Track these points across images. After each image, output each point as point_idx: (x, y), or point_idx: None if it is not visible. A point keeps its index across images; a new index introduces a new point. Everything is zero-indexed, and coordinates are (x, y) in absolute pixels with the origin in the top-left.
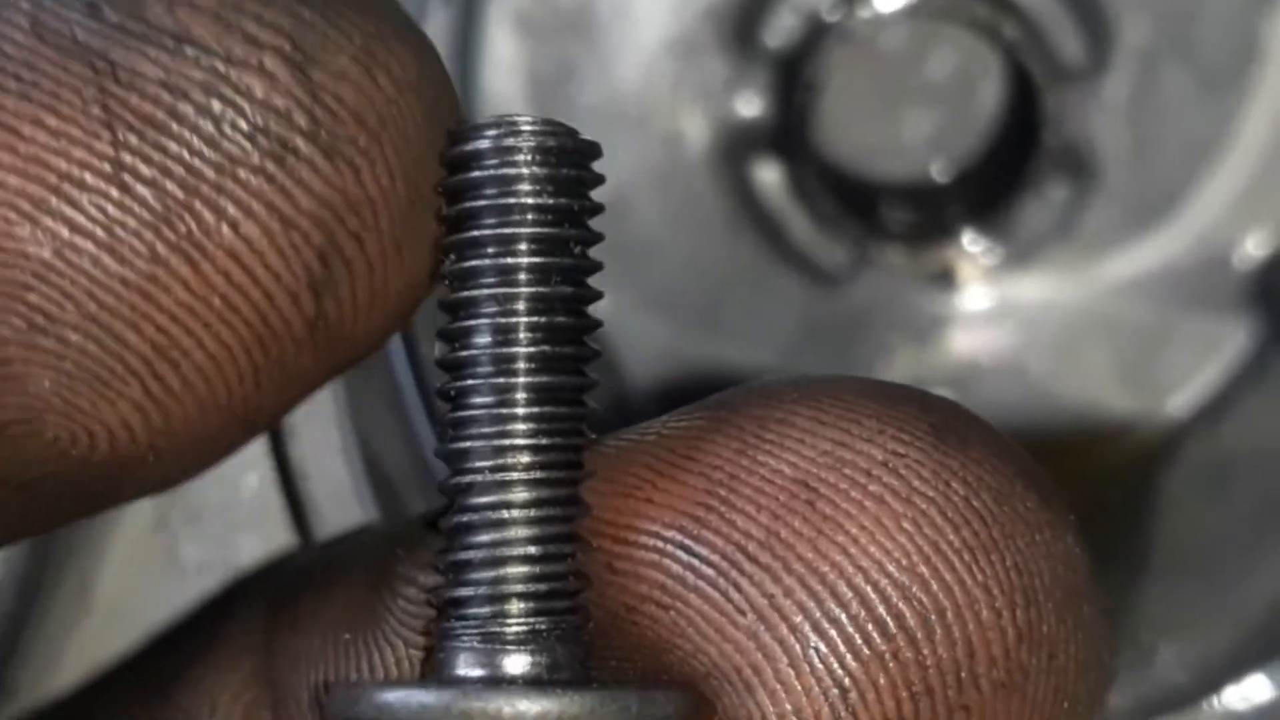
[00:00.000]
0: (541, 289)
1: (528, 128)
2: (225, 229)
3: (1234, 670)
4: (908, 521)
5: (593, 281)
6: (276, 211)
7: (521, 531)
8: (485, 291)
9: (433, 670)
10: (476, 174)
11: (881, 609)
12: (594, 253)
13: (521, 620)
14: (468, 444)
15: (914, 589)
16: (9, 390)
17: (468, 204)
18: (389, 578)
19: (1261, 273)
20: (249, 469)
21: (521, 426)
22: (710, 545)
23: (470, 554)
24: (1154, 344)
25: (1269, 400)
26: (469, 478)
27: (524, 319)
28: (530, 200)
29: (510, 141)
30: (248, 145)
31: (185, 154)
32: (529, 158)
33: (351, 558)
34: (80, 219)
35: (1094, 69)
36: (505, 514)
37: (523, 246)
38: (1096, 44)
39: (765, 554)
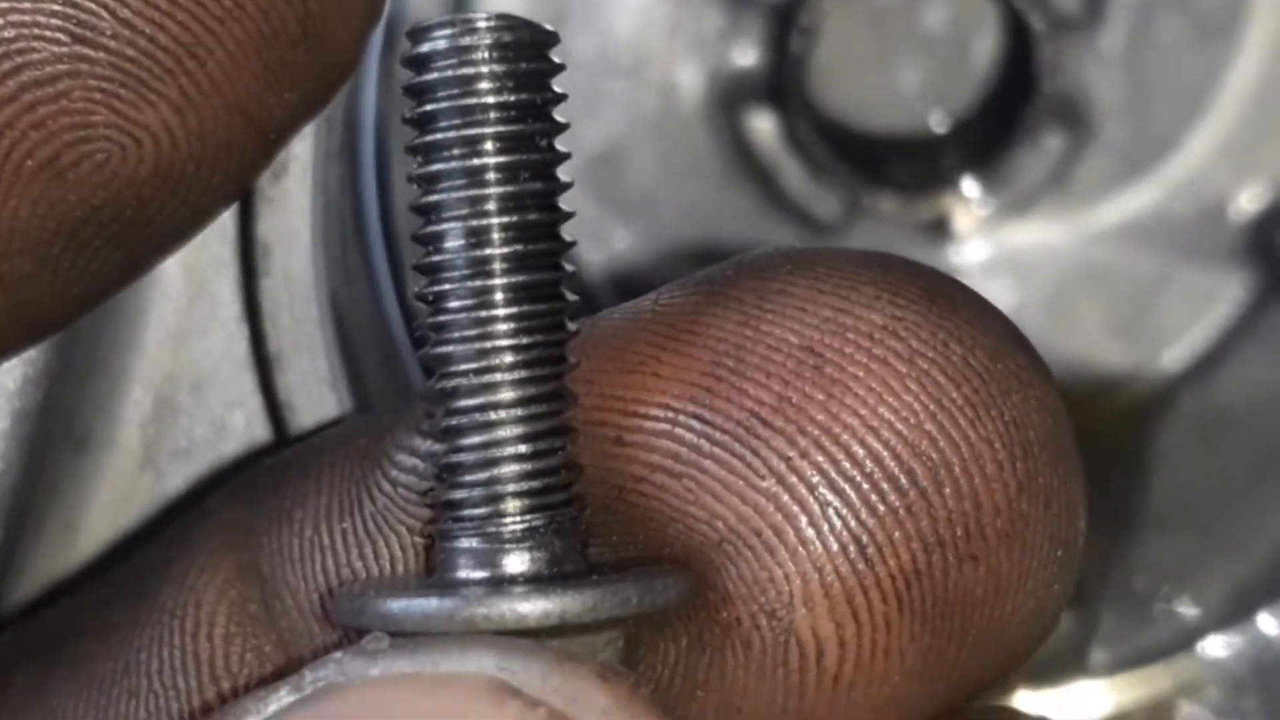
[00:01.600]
0: (511, 188)
1: (484, 24)
2: None
3: (1228, 619)
4: (912, 381)
5: (561, 172)
6: None
7: (511, 430)
8: (455, 195)
9: (433, 570)
10: (436, 75)
11: (894, 466)
12: (561, 144)
13: (518, 518)
14: (450, 348)
15: (923, 445)
16: (62, 111)
17: (429, 106)
18: (380, 456)
19: (1256, 224)
20: (235, 407)
21: (502, 327)
22: (724, 413)
23: (462, 456)
24: (1148, 296)
25: (1264, 352)
26: (454, 381)
27: (496, 219)
28: (492, 99)
29: (467, 40)
30: None
31: None
32: (487, 55)
33: (334, 446)
34: None
35: (1090, 19)
36: (493, 415)
37: (489, 146)
38: None
39: (779, 418)
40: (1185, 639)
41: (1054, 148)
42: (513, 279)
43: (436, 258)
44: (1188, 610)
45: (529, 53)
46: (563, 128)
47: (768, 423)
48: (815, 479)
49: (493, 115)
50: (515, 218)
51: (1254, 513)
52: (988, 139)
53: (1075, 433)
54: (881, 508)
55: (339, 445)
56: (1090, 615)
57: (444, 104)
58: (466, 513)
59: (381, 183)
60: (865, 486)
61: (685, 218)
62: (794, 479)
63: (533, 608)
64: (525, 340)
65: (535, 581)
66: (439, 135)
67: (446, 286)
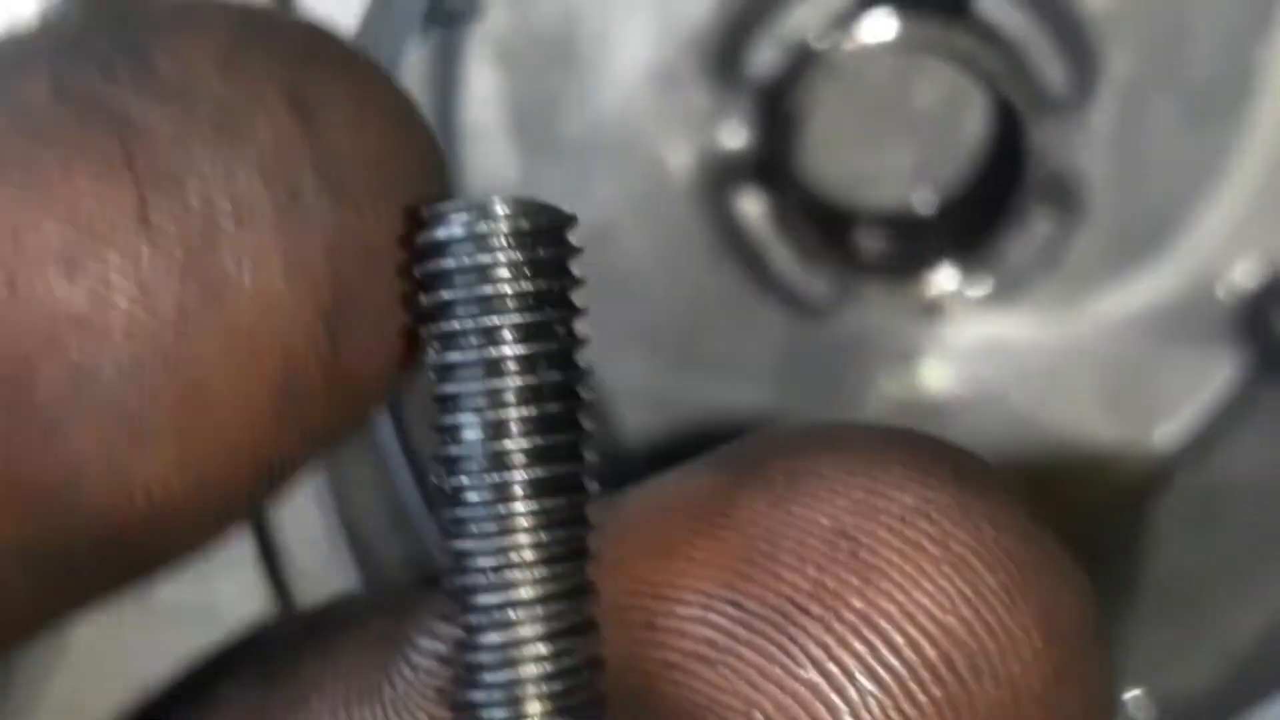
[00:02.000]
0: (530, 379)
1: (501, 210)
2: (245, 274)
3: (1220, 706)
4: (947, 565)
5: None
6: (291, 254)
7: (532, 630)
8: (473, 386)
9: None
10: (452, 263)
11: (933, 654)
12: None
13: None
14: (469, 544)
15: (961, 633)
16: (52, 448)
17: (446, 294)
18: (400, 641)
19: (1250, 304)
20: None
21: (522, 523)
22: (760, 599)
23: (482, 656)
24: (1141, 376)
25: (1257, 432)
26: (472, 578)
27: (515, 412)
28: (509, 288)
29: (484, 226)
30: (260, 186)
31: (203, 200)
32: (505, 242)
33: (351, 627)
34: (113, 271)
35: (1079, 100)
36: (512, 614)
37: (507, 336)
38: (1082, 75)
39: (815, 605)
40: None
41: (1044, 230)
42: (532, 473)
43: (454, 450)
44: (1181, 694)
45: (547, 238)
46: (582, 312)
47: (804, 609)
48: (854, 667)
49: (511, 304)
50: (535, 410)
51: (1246, 596)
52: (978, 220)
53: (1068, 510)
54: (922, 697)
55: (356, 627)
56: None
57: (460, 293)
58: (486, 715)
59: None
60: (905, 675)
61: (673, 297)
62: (833, 667)
63: None
64: (546, 536)
65: None
66: (456, 324)
67: (464, 480)
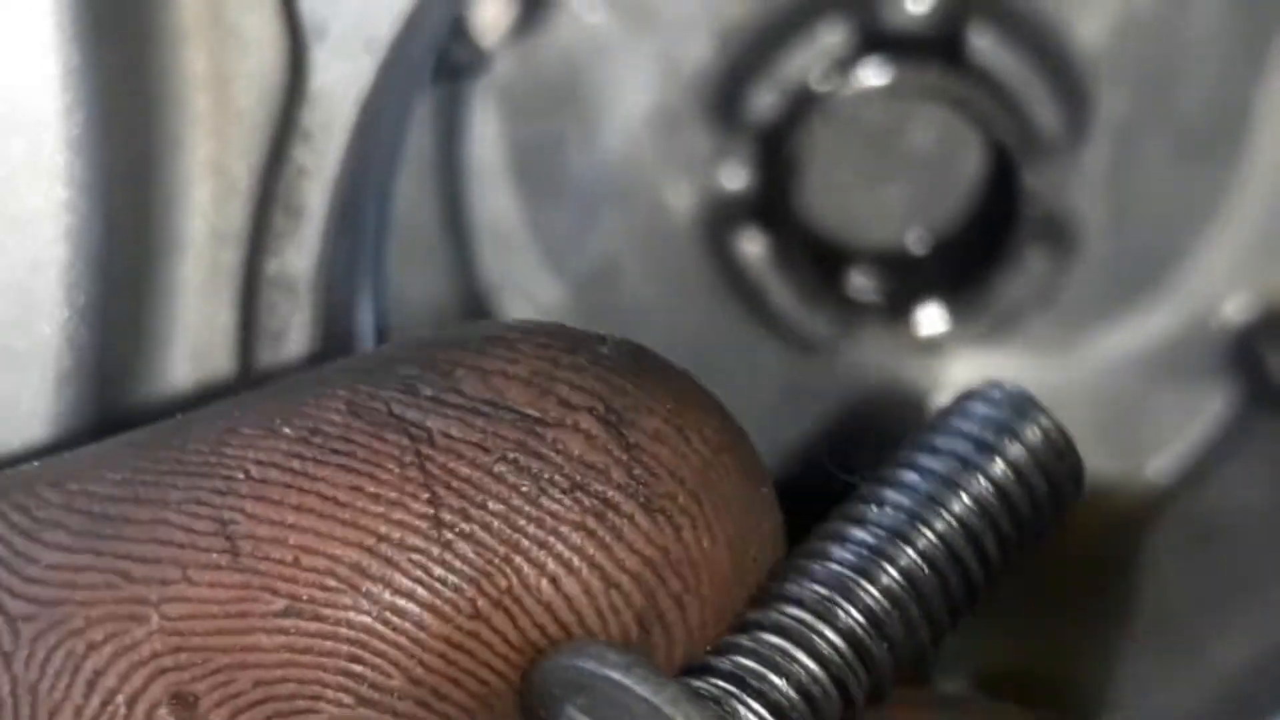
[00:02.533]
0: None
1: (1050, 421)
2: (545, 584)
3: None
4: None
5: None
6: (598, 568)
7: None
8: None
9: None
10: (980, 412)
11: None
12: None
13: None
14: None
15: None
16: None
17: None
18: None
19: (1242, 340)
20: None
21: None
22: None
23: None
24: (1135, 411)
25: (1249, 466)
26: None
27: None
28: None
29: (1030, 413)
30: (568, 501)
31: (505, 510)
32: (1039, 440)
33: None
34: (402, 580)
35: (1073, 141)
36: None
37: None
38: (1074, 116)
39: None
40: None
41: (1039, 267)
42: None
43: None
44: None
45: (1065, 468)
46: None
47: None
48: None
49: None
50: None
51: (1236, 626)
52: (974, 259)
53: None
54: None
55: None
56: None
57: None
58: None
59: None
60: None
61: (674, 336)
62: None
63: None
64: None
65: None
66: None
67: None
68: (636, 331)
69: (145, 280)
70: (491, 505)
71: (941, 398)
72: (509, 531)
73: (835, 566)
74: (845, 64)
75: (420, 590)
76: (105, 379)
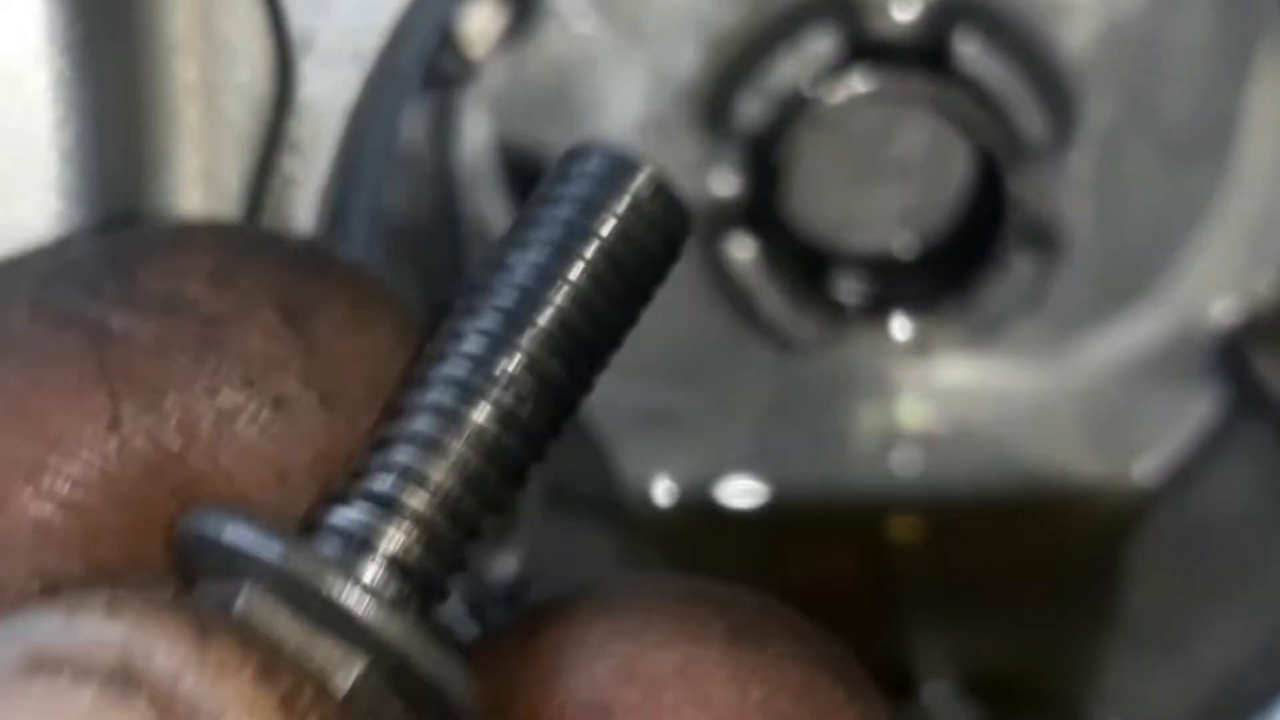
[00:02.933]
0: (575, 309)
1: (651, 171)
2: (220, 477)
3: None
4: None
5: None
6: (272, 461)
7: (441, 473)
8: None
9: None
10: (577, 189)
11: None
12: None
13: (394, 543)
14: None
15: None
16: None
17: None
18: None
19: (1228, 343)
20: None
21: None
22: None
23: (397, 455)
24: (1121, 414)
25: (1235, 468)
26: (429, 396)
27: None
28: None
29: (629, 169)
30: (243, 396)
31: (182, 402)
32: (634, 193)
33: None
34: (79, 473)
35: (1059, 147)
36: (421, 470)
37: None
38: (1060, 122)
39: None
40: None
41: (1026, 272)
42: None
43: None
44: None
45: (671, 218)
46: (649, 297)
47: None
48: None
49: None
50: (559, 334)
51: (1220, 627)
52: (961, 263)
53: (1050, 545)
54: None
55: None
56: None
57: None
58: (356, 509)
59: None
60: None
61: (665, 340)
62: None
63: (337, 588)
64: (519, 394)
65: (365, 588)
66: (549, 210)
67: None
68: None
69: None
70: (169, 399)
71: (928, 399)
72: (185, 426)
73: (452, 374)
74: (833, 72)
75: (97, 483)
76: None
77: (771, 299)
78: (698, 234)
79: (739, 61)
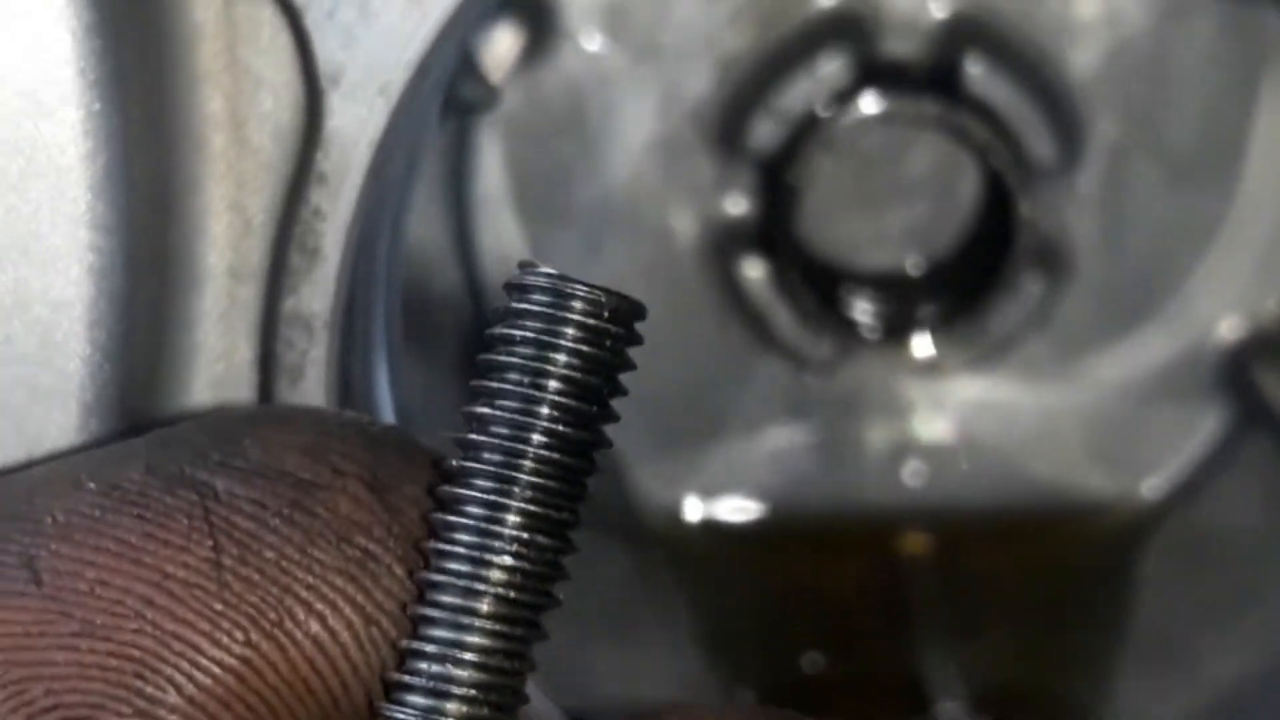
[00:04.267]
0: (558, 427)
1: (581, 289)
2: (312, 621)
3: None
4: None
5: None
6: (359, 607)
7: (478, 647)
8: (508, 407)
9: None
10: (524, 306)
11: None
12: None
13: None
14: (448, 547)
15: None
16: None
17: (510, 330)
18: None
19: (1234, 357)
20: None
21: (506, 542)
22: None
23: (425, 647)
24: (1129, 430)
25: (1242, 483)
26: (437, 591)
27: (534, 445)
28: (568, 344)
29: (564, 287)
30: (334, 552)
31: (277, 557)
32: (580, 305)
33: None
34: (183, 611)
35: (1066, 167)
36: (466, 620)
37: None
38: (1068, 143)
39: None
40: None
41: (1034, 292)
42: (530, 503)
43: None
44: None
45: (615, 317)
46: (620, 393)
47: None
48: None
49: (564, 358)
50: (552, 448)
51: (1229, 641)
52: (970, 284)
53: (1059, 560)
54: None
55: None
56: None
57: (523, 331)
58: (409, 698)
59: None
60: None
61: (680, 359)
62: None
63: None
64: (524, 553)
65: None
66: (509, 357)
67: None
68: (638, 354)
69: (165, 316)
70: (266, 553)
71: (939, 416)
72: (280, 575)
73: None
74: (844, 94)
75: (199, 620)
76: (128, 412)
77: (783, 319)
78: (711, 255)
79: (751, 83)
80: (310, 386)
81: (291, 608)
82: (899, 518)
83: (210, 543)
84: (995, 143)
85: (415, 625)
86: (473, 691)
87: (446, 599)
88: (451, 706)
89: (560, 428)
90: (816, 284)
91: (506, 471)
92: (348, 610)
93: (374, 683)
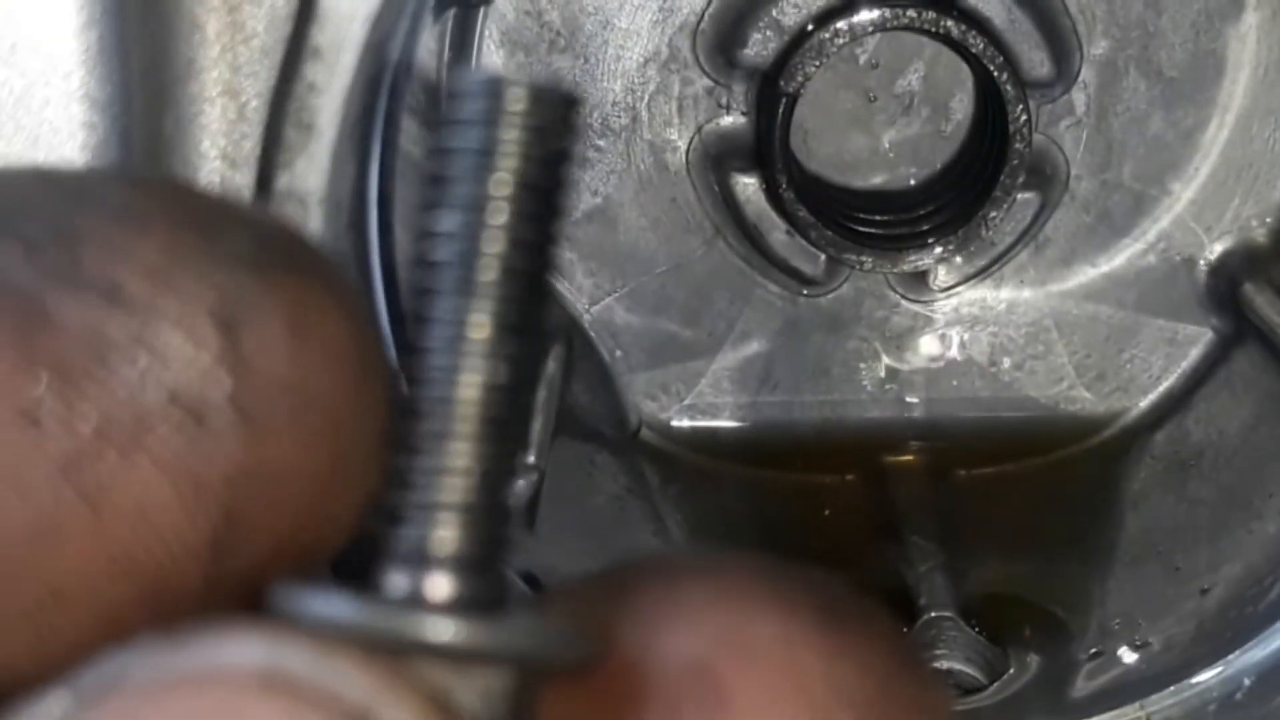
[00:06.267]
0: (513, 210)
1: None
2: (134, 483)
3: (1196, 656)
4: (801, 698)
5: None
6: (188, 471)
7: (463, 458)
8: (463, 191)
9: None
10: (465, 114)
11: None
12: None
13: (452, 542)
14: (422, 359)
15: None
16: None
17: (454, 140)
18: None
19: (1222, 276)
20: None
21: (473, 359)
22: None
23: (411, 467)
24: (1120, 344)
25: (1229, 396)
26: (418, 397)
27: (493, 240)
28: (511, 142)
29: (501, 90)
30: (167, 403)
31: (102, 403)
32: (519, 106)
33: None
34: None
35: (1060, 82)
36: (449, 440)
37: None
38: (1062, 58)
39: None
40: (1158, 676)
41: (1028, 205)
42: (496, 301)
43: (431, 261)
44: (1159, 646)
45: (553, 111)
46: (567, 184)
47: None
48: None
49: (510, 155)
50: (511, 236)
51: (1218, 548)
52: (964, 197)
53: (1048, 475)
54: None
55: None
56: (1066, 654)
57: (467, 138)
58: (403, 529)
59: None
60: None
61: (675, 271)
62: None
63: (444, 633)
64: (494, 364)
65: (453, 609)
66: (453, 170)
67: (432, 305)
68: (634, 268)
69: None
70: (89, 395)
71: (932, 331)
72: (103, 425)
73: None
74: (840, 7)
75: (4, 468)
76: None
77: (778, 232)
78: (705, 169)
79: None
80: None
81: (111, 464)
82: (890, 433)
83: (27, 373)
84: (990, 57)
85: (396, 453)
86: (461, 513)
87: (429, 424)
88: (443, 522)
89: (511, 231)
90: (812, 199)
91: (465, 283)
92: (173, 472)
93: (200, 547)
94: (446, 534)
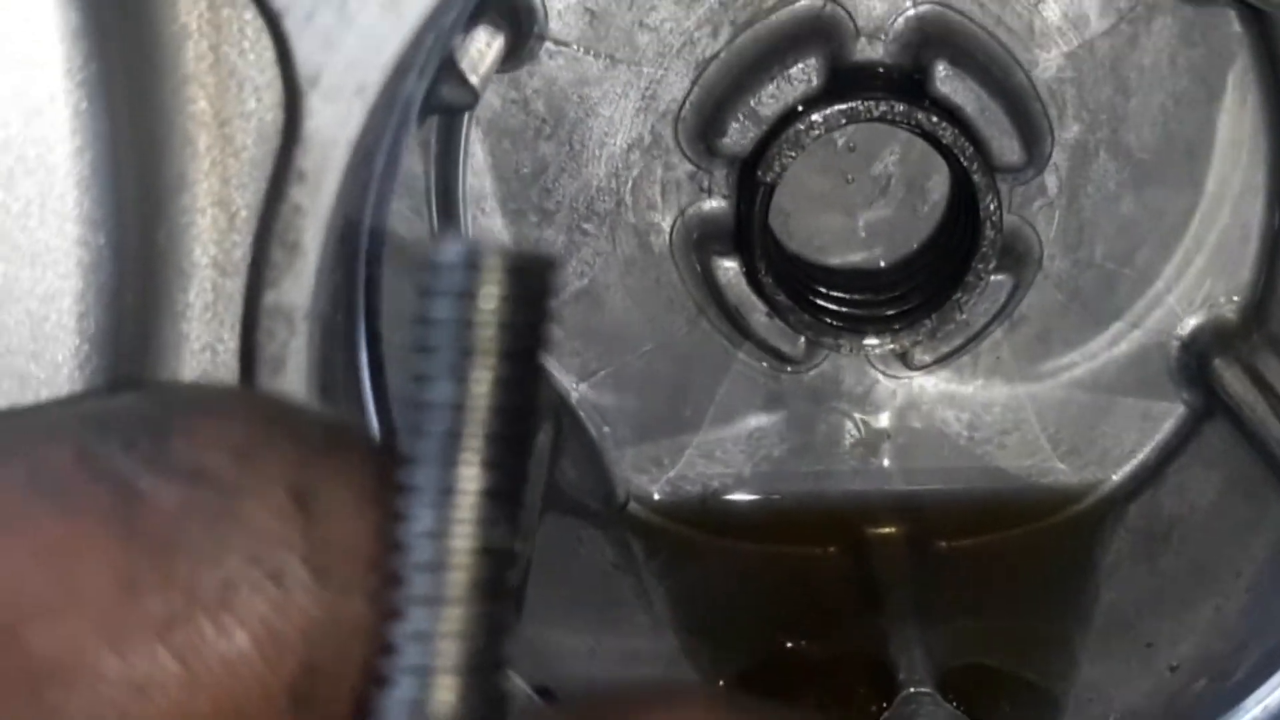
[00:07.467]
0: (499, 378)
1: (490, 257)
2: (220, 638)
3: None
4: None
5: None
6: (268, 626)
7: (453, 622)
8: (446, 359)
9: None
10: (443, 281)
11: None
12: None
13: (450, 706)
14: (414, 519)
15: None
16: None
17: (434, 313)
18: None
19: (1192, 352)
20: None
21: (467, 499)
22: None
23: (409, 619)
24: (1094, 418)
25: (1200, 469)
26: (412, 557)
27: (480, 405)
28: (490, 311)
29: (476, 259)
30: (248, 566)
31: (191, 569)
32: (494, 274)
33: None
34: (87, 620)
35: (1032, 165)
36: (440, 605)
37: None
38: (1033, 144)
39: None
40: None
41: (1000, 286)
42: (479, 468)
43: (414, 442)
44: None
45: (529, 276)
46: (546, 349)
47: None
48: None
49: (489, 325)
50: (497, 398)
51: (1188, 620)
52: (938, 280)
53: (1024, 547)
54: None
55: None
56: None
57: (445, 310)
58: (403, 680)
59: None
60: None
61: (658, 351)
62: None
63: None
64: (481, 530)
65: None
66: (436, 340)
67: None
68: (620, 346)
69: (153, 308)
70: (180, 564)
71: (909, 408)
72: (191, 588)
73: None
74: (816, 96)
75: (105, 631)
76: None
77: (758, 314)
78: (687, 252)
79: (726, 86)
80: (291, 376)
81: (199, 622)
82: (870, 506)
83: (123, 545)
84: (962, 144)
85: (390, 617)
86: (457, 676)
87: (416, 590)
88: (440, 686)
89: (496, 398)
90: (791, 281)
91: (451, 453)
92: (255, 627)
93: (281, 698)
94: (445, 698)
